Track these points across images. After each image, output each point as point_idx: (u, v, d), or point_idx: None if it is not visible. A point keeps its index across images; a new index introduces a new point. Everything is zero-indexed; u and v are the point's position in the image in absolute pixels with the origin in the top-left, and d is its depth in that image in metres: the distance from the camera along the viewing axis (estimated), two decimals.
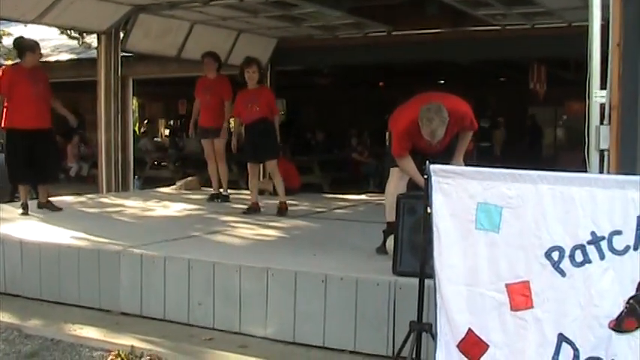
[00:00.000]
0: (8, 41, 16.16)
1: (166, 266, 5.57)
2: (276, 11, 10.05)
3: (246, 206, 8.44)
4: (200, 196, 10.03)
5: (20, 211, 8.01)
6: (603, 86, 4.38)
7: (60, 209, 8.32)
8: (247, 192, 8.86)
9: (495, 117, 18.11)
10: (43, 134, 7.98)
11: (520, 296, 3.45)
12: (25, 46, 8.04)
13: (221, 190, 9.72)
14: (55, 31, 12.49)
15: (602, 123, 4.39)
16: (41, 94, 7.94)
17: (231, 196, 9.74)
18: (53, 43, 15.53)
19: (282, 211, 8.23)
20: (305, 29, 11.27)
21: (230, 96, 9.26)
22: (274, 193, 8.77)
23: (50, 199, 8.53)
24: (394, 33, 11.20)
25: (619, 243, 3.34)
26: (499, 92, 19.73)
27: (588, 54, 4.37)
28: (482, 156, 15.31)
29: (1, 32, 16.21)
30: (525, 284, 3.45)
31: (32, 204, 8.21)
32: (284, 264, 5.32)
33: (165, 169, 18.19)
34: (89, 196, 10.10)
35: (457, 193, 3.60)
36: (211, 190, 9.85)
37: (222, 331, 5.26)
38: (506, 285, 3.47)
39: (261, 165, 9.02)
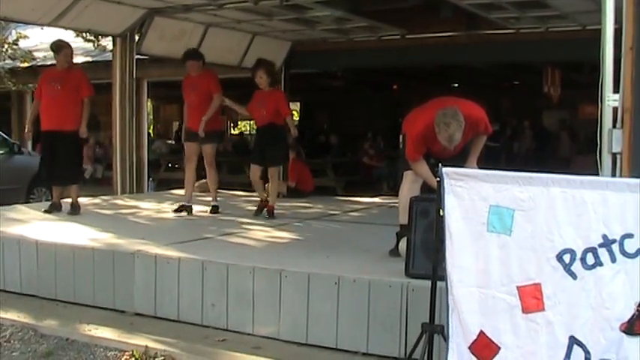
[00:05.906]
0: (25, 44, 16.31)
1: (180, 267, 5.60)
2: (290, 14, 10.10)
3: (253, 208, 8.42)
4: None
5: (44, 208, 8.20)
6: (616, 90, 4.38)
7: (76, 213, 8.12)
8: (255, 194, 8.79)
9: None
10: (64, 136, 7.91)
11: (531, 298, 3.45)
12: (52, 48, 8.13)
13: (209, 197, 8.87)
14: (71, 33, 12.57)
15: (614, 126, 4.40)
16: (65, 95, 7.88)
17: (241, 198, 9.70)
18: None
19: (266, 210, 8.11)
20: (319, 32, 11.32)
21: (218, 89, 8.33)
22: (286, 195, 8.72)
23: (67, 200, 8.39)
24: (408, 36, 11.23)
25: (631, 246, 3.34)
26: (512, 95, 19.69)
27: (601, 57, 4.38)
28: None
29: (18, 35, 16.33)
30: (537, 287, 3.45)
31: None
32: (297, 266, 5.33)
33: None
34: (104, 197, 10.17)
35: (469, 195, 3.61)
36: (217, 194, 8.84)
37: (235, 332, 5.28)
38: (518, 287, 3.48)
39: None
